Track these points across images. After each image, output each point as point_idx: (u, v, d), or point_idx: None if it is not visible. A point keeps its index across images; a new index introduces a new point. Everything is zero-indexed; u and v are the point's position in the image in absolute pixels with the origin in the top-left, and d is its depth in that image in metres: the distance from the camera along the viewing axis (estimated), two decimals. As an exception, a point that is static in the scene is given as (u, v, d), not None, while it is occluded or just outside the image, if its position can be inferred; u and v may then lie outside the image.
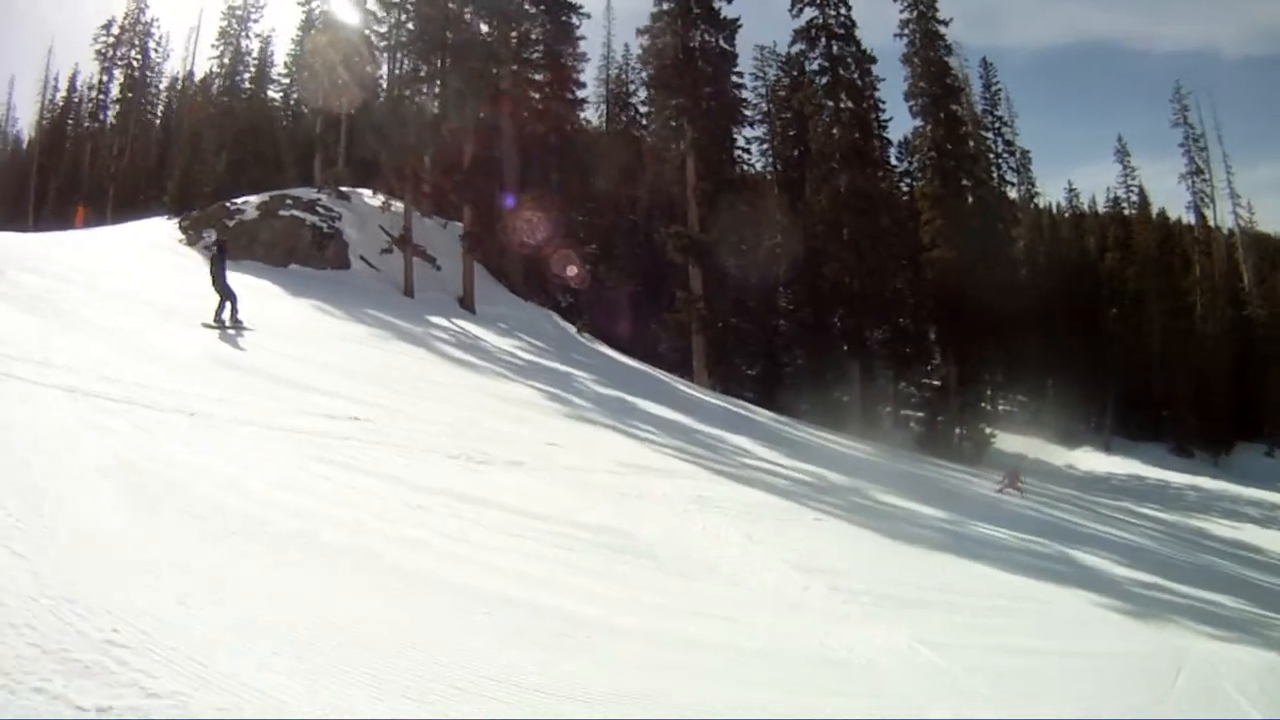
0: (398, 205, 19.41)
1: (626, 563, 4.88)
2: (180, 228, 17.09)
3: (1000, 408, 26.58)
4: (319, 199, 18.63)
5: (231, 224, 16.62)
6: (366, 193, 21.03)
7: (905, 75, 26.73)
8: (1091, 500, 18.93)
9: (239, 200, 17.73)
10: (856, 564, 6.15)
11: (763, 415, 17.86)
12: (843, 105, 25.80)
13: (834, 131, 25.27)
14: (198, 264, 15.52)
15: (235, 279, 13.74)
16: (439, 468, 6.16)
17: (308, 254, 16.80)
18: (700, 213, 23.22)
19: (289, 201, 17.76)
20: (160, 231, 17.44)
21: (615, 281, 27.62)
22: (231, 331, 9.95)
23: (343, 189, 20.47)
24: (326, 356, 10.11)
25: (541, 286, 23.65)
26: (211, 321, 9.96)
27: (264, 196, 18.11)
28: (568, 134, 29.51)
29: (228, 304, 10.24)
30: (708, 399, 17.75)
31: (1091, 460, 25.40)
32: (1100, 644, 5.58)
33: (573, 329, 20.39)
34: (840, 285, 23.13)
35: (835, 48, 25.75)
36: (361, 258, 18.00)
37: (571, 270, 21.48)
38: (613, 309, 26.61)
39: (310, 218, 17.41)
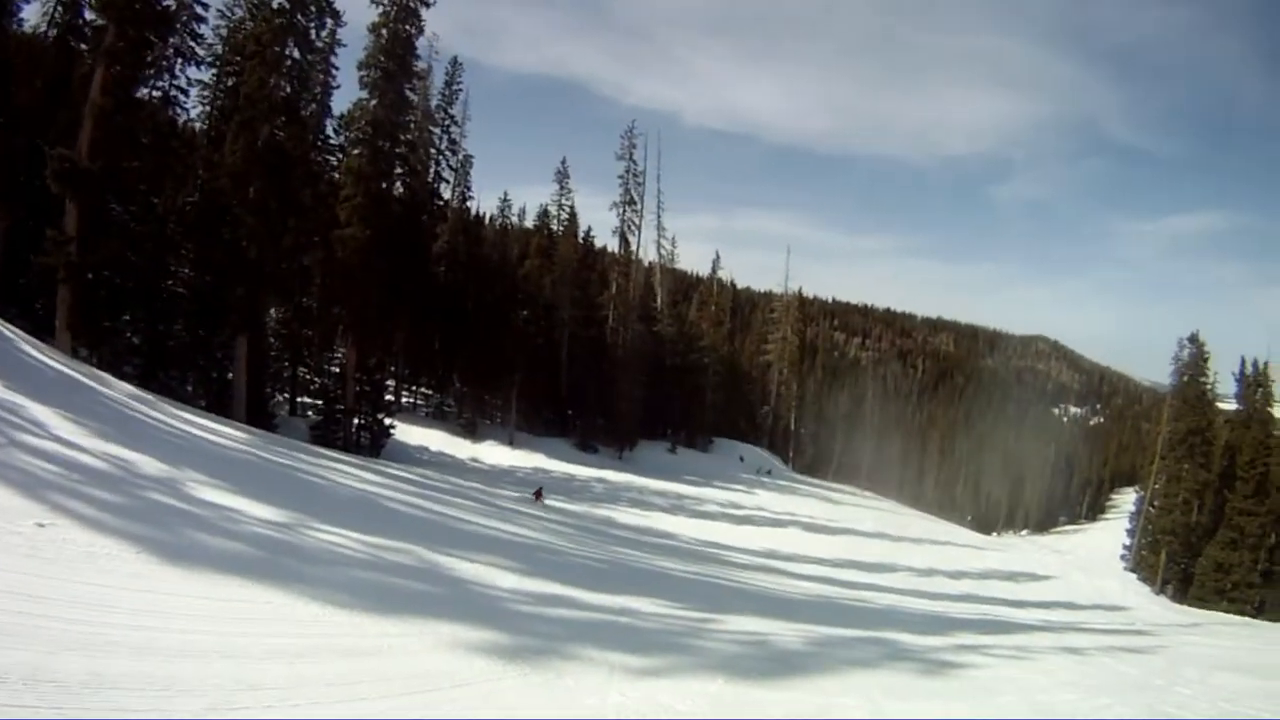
0: None
1: None
2: None
3: (404, 400, 26.92)
4: None
5: None
6: None
7: (366, 45, 25.29)
8: (492, 493, 18.76)
9: None
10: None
11: (117, 388, 14.11)
12: (288, 52, 23.05)
13: (269, 79, 22.33)
14: None
15: None
16: None
17: None
18: (94, 135, 18.18)
19: None
20: None
21: (-6, 215, 20.94)
22: None
23: None
24: None
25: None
26: None
27: None
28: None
29: None
30: (50, 363, 13.35)
31: (496, 454, 25.92)
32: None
33: None
34: (238, 250, 20.25)
35: (304, -9, 22.82)
36: None
37: None
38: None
39: None
